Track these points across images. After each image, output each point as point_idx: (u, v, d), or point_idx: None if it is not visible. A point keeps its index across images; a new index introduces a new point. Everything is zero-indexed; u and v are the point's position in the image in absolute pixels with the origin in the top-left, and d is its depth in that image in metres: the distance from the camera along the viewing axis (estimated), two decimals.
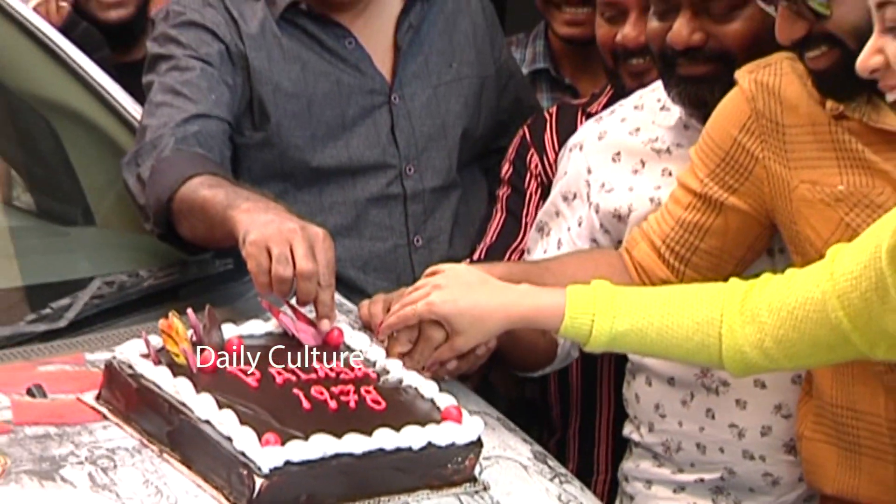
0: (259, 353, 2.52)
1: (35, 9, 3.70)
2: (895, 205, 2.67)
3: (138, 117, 3.22)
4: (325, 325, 2.61)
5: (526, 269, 3.04)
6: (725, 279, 2.83)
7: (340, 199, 3.25)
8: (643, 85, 3.30)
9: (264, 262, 2.55)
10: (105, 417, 2.39)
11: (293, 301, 2.75)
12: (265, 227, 2.60)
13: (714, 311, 2.61)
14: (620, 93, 3.38)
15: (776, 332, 2.56)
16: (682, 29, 2.99)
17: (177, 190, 2.86)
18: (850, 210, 2.80)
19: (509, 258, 3.28)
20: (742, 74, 2.94)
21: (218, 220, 2.72)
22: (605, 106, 3.42)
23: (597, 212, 3.17)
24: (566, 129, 3.34)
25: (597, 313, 2.64)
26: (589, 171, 3.17)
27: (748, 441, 3.11)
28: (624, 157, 3.17)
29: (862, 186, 2.79)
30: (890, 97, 2.35)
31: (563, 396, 3.42)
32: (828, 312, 2.46)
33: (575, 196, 3.18)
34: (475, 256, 3.34)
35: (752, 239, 2.96)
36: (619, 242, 3.20)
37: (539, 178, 3.34)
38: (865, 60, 2.29)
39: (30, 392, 2.40)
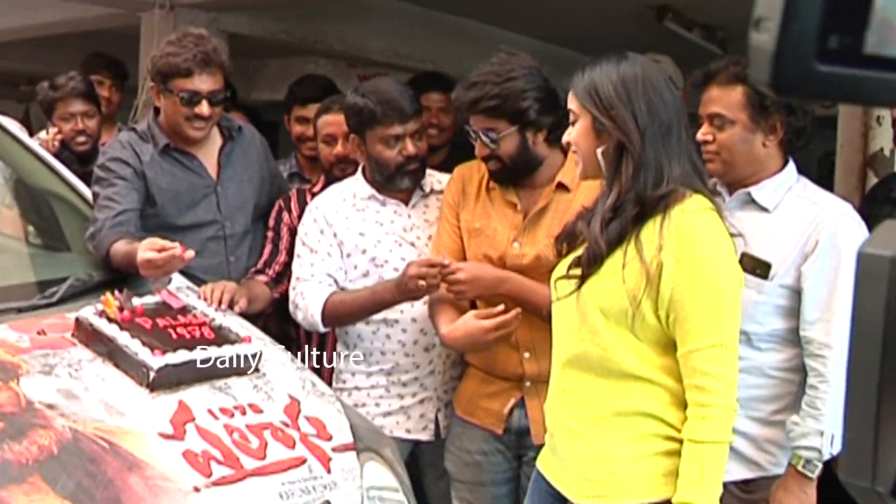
0: (151, 311, 2.60)
1: (40, 144, 3.75)
2: (500, 235, 2.87)
3: (89, 197, 3.23)
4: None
5: None
6: None
7: (194, 238, 3.18)
8: (344, 176, 3.33)
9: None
10: (75, 344, 2.45)
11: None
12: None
13: None
14: (331, 179, 3.41)
15: None
16: (411, 147, 3.03)
17: (108, 249, 2.94)
18: (478, 236, 2.93)
19: (273, 267, 3.30)
20: (456, 170, 3.04)
21: (129, 258, 2.81)
22: (322, 187, 3.40)
23: (336, 237, 3.11)
24: (302, 201, 3.35)
25: None
26: (326, 221, 3.14)
27: (407, 348, 3.12)
28: (340, 213, 3.14)
29: (486, 226, 2.91)
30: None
31: (308, 332, 3.39)
32: None
33: (323, 231, 3.14)
34: (258, 266, 3.34)
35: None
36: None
37: (288, 226, 3.34)
38: None
39: (39, 332, 2.44)
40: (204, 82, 3.19)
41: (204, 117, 3.22)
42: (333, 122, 3.45)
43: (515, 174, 2.87)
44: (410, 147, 3.06)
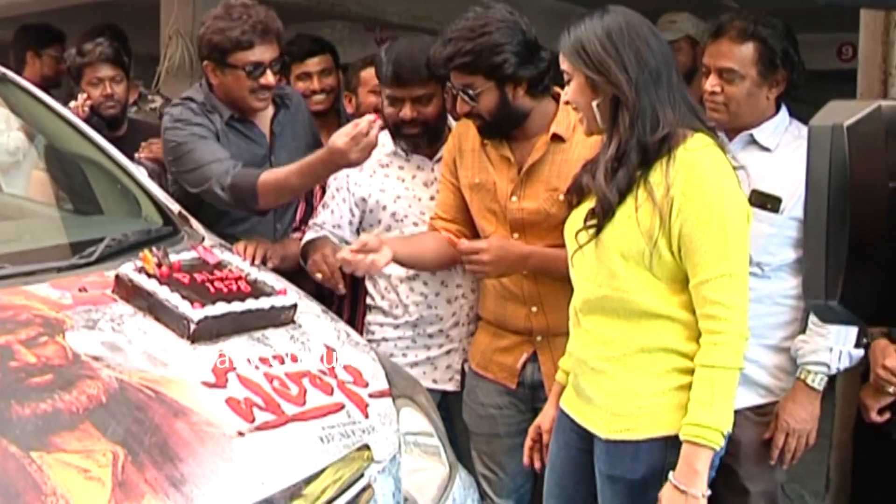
0: (188, 267, 2.63)
1: (71, 109, 3.77)
2: (500, 189, 2.88)
3: (120, 161, 3.22)
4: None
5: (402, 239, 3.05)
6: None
7: None
8: (384, 126, 3.22)
9: None
10: (116, 300, 2.48)
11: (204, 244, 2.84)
12: None
13: None
14: None
15: None
16: (408, 111, 3.05)
17: (256, 180, 2.97)
18: (479, 190, 2.94)
19: (307, 223, 3.32)
20: (455, 127, 3.06)
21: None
22: None
23: (353, 196, 3.21)
24: None
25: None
26: (347, 177, 3.19)
27: (429, 300, 3.18)
28: (364, 170, 3.17)
29: (486, 181, 2.91)
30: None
31: None
32: None
33: (339, 189, 3.23)
34: (294, 224, 3.42)
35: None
36: (363, 213, 3.22)
37: (321, 184, 3.33)
38: None
39: (80, 290, 2.46)
40: (266, 52, 3.18)
41: (270, 87, 3.21)
42: None
43: (500, 129, 2.88)
44: (407, 111, 3.08)
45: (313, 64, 4.02)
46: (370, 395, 2.49)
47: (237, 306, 2.49)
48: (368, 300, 3.32)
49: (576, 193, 2.49)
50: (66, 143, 3.43)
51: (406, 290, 3.20)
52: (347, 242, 3.17)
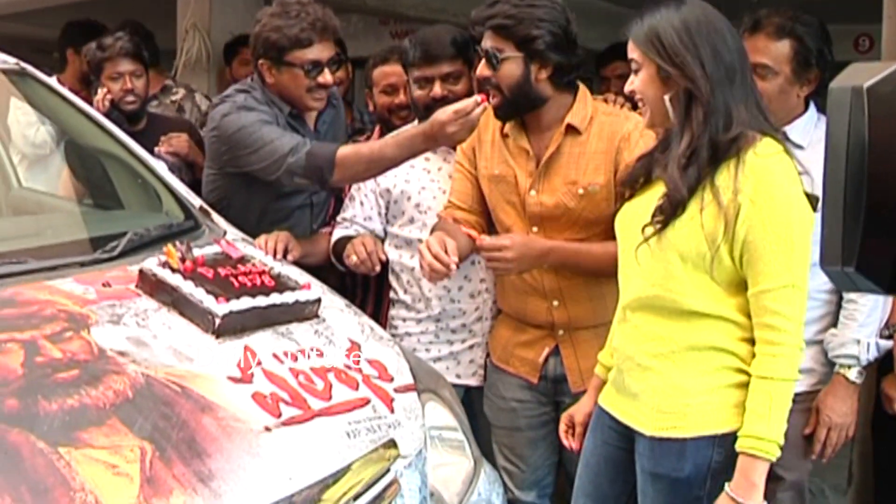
0: (211, 261, 2.62)
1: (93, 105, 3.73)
2: (520, 182, 2.83)
3: (141, 155, 3.21)
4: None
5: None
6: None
7: (285, 206, 3.24)
8: (403, 124, 3.34)
9: None
10: (140, 295, 2.46)
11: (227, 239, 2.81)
12: None
13: None
14: (390, 128, 3.41)
15: None
16: (438, 89, 3.07)
17: (335, 152, 2.93)
18: (499, 183, 2.90)
19: (336, 220, 3.31)
20: None
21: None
22: (380, 136, 3.44)
23: (379, 186, 3.20)
24: None
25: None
26: None
27: (452, 294, 3.17)
28: None
29: (507, 173, 2.88)
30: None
31: (365, 280, 3.40)
32: None
33: (365, 181, 3.19)
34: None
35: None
36: (388, 204, 3.22)
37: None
38: None
39: (104, 285, 2.45)
40: (324, 50, 3.15)
41: (328, 86, 3.18)
42: (392, 72, 3.49)
43: (514, 108, 2.83)
44: (437, 89, 3.09)
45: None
46: (395, 390, 2.47)
47: (261, 301, 2.47)
48: (392, 294, 3.30)
49: (629, 186, 2.44)
50: (87, 138, 3.41)
51: (429, 283, 3.15)
52: (378, 235, 3.19)
